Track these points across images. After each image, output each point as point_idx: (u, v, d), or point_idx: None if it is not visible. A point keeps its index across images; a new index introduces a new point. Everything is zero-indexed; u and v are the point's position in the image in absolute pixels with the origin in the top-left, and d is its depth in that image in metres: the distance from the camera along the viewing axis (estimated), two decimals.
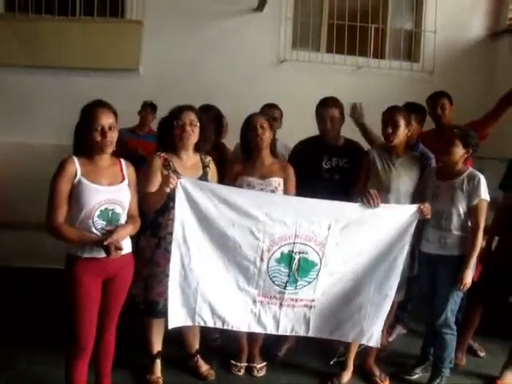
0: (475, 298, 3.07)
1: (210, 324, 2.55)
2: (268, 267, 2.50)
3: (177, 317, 2.47)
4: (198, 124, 2.59)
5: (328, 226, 2.48)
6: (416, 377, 3.03)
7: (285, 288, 2.54)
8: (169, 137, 2.59)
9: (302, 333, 2.65)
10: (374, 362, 3.00)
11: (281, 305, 2.57)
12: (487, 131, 3.38)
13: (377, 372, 2.95)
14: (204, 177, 2.65)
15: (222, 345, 3.16)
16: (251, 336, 2.90)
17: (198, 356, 2.91)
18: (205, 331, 2.84)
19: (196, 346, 2.91)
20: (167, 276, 2.44)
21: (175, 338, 2.78)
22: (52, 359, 2.80)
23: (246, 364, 2.98)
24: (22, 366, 2.86)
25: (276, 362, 3.08)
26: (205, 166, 2.69)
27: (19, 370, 2.82)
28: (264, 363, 3.01)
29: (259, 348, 3.01)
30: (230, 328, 2.58)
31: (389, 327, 3.34)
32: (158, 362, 2.77)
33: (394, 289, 2.56)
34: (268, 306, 2.57)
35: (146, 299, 2.58)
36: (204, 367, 2.89)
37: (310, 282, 2.55)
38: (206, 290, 2.48)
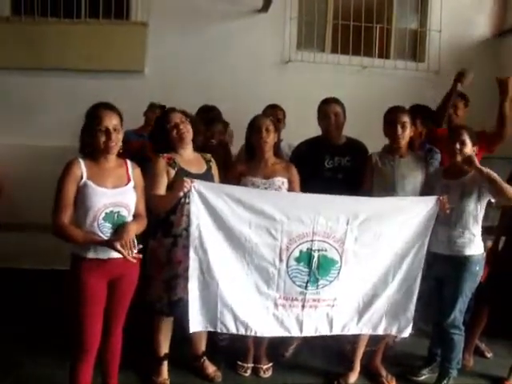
0: (482, 298, 3.05)
1: (233, 330, 2.52)
2: (288, 267, 2.49)
3: (198, 321, 2.46)
4: (187, 120, 2.63)
5: (346, 222, 2.47)
6: (423, 378, 3.02)
7: (306, 288, 2.52)
8: (165, 140, 2.61)
9: (325, 332, 2.63)
10: (381, 362, 2.99)
11: (303, 306, 2.55)
12: (496, 147, 3.32)
13: (383, 373, 2.94)
14: (209, 171, 2.69)
15: (229, 346, 3.16)
16: (257, 337, 2.88)
17: (205, 357, 2.92)
18: (213, 332, 2.84)
19: (202, 347, 2.92)
20: (188, 271, 2.43)
21: (182, 339, 2.78)
22: (57, 361, 2.82)
23: (252, 365, 2.98)
24: (28, 367, 2.87)
25: (282, 363, 3.08)
26: (207, 161, 2.73)
27: (25, 372, 2.83)
28: (270, 364, 3.01)
29: (265, 349, 3.01)
30: (253, 334, 2.56)
31: None
32: (165, 363, 2.78)
33: (418, 280, 2.58)
34: (290, 308, 2.55)
35: (171, 300, 2.57)
36: (210, 368, 2.90)
37: (331, 282, 2.53)
38: (227, 295, 2.46)
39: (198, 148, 2.77)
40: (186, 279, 2.47)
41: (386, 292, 2.60)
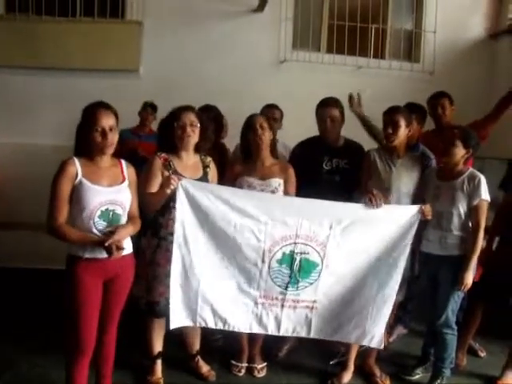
0: (476, 298, 3.07)
1: (211, 325, 2.54)
2: (269, 268, 2.50)
3: (178, 317, 2.47)
4: (198, 124, 2.59)
5: (329, 226, 2.47)
6: (417, 377, 3.02)
7: (286, 289, 2.54)
8: (169, 137, 2.59)
9: (303, 334, 2.64)
10: (375, 362, 2.99)
11: (282, 306, 2.57)
12: (487, 132, 3.38)
13: (377, 372, 2.95)
14: (204, 177, 2.65)
15: (223, 345, 3.16)
16: (252, 336, 2.90)
17: (199, 356, 2.91)
18: (206, 332, 2.84)
19: (197, 346, 2.91)
20: (168, 276, 2.44)
21: (176, 338, 2.78)
22: (51, 360, 2.82)
23: (246, 364, 2.98)
24: (23, 366, 2.86)
25: (277, 363, 3.08)
26: (205, 167, 2.69)
27: (20, 371, 2.82)
28: (264, 363, 3.01)
29: (260, 348, 3.01)
30: (231, 329, 2.58)
31: (389, 327, 3.34)
32: (159, 362, 2.77)
33: (395, 289, 2.55)
34: (270, 307, 2.57)
35: (148, 300, 2.58)
36: (204, 368, 2.89)
37: (311, 283, 2.54)
38: (207, 291, 2.48)
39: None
40: (165, 285, 2.48)
41: (364, 301, 2.57)
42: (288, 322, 2.60)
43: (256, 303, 2.55)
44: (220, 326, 2.55)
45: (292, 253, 2.49)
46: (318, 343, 2.86)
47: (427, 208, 2.50)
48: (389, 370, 3.02)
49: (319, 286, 2.55)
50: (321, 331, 2.64)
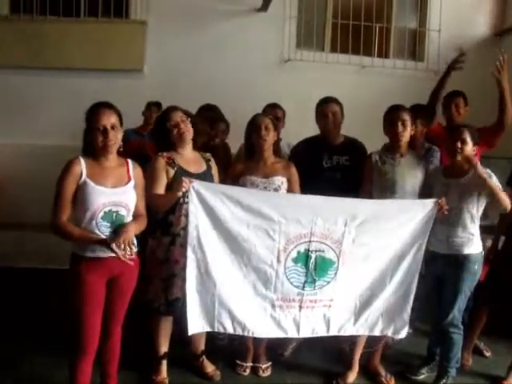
0: (481, 298, 3.06)
1: (230, 330, 2.51)
2: (285, 268, 2.48)
3: (196, 323, 2.45)
4: (189, 119, 2.63)
5: (344, 223, 2.46)
6: (422, 377, 3.01)
7: (303, 289, 2.52)
8: (166, 139, 2.61)
9: (323, 333, 2.62)
10: (380, 361, 2.99)
11: (300, 307, 2.54)
12: (497, 140, 3.33)
13: (382, 372, 2.94)
14: (208, 171, 2.68)
15: (228, 344, 3.16)
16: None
17: (204, 356, 2.91)
18: (211, 331, 2.83)
19: (202, 346, 2.91)
20: (185, 270, 2.43)
21: (181, 338, 2.77)
22: (53, 361, 2.82)
23: (251, 364, 2.98)
24: (25, 367, 2.87)
25: (281, 362, 3.07)
26: (207, 161, 2.73)
27: (22, 372, 2.82)
28: (269, 363, 3.00)
29: (264, 348, 3.00)
30: (250, 335, 2.56)
31: None
32: (165, 362, 2.77)
33: (415, 282, 2.57)
34: (288, 309, 2.54)
35: (168, 299, 2.58)
36: (209, 367, 2.89)
37: (328, 282, 2.53)
38: (225, 296, 2.45)
39: (200, 147, 2.77)
40: (183, 279, 2.47)
41: (382, 293, 2.59)
42: (307, 323, 2.57)
43: (273, 306, 2.52)
44: (239, 331, 2.52)
45: (307, 251, 2.48)
46: (323, 342, 2.85)
47: (443, 201, 2.48)
48: (394, 370, 3.01)
49: (336, 284, 2.53)
50: (340, 328, 2.62)
